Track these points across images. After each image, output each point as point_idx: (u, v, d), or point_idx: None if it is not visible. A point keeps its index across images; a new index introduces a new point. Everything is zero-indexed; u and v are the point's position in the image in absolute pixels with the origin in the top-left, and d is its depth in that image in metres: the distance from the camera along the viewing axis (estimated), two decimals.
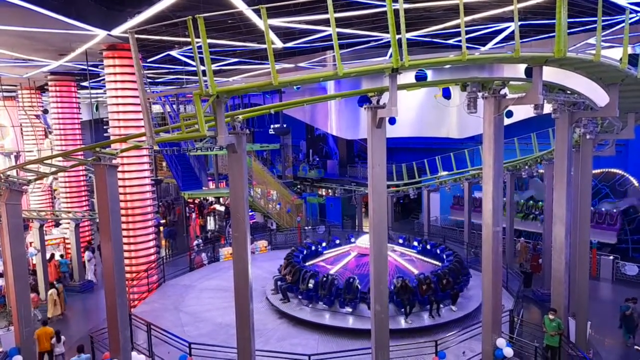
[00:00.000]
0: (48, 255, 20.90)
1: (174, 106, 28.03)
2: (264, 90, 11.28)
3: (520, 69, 23.92)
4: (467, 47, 8.35)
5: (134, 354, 11.04)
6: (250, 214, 28.48)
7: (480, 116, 9.89)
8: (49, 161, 10.88)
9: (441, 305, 13.84)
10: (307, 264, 16.60)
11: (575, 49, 14.71)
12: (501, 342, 10.52)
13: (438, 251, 17.81)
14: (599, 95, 12.05)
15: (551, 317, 11.93)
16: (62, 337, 13.14)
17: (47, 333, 12.91)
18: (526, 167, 20.51)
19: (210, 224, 32.41)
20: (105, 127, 17.29)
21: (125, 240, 16.20)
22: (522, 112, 25.06)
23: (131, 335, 11.80)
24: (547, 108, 10.99)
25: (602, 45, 9.46)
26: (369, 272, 13.61)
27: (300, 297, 14.66)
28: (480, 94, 9.78)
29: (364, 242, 16.66)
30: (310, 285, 14.34)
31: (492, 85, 9.73)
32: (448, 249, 17.78)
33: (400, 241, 19.21)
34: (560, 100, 10.99)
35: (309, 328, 13.69)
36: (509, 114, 25.19)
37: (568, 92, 11.44)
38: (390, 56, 8.08)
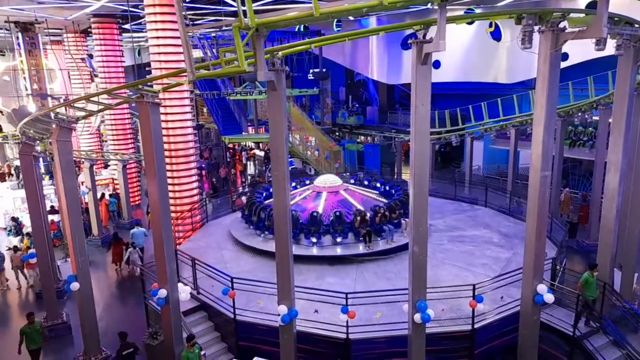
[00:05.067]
0: (99, 195, 22.04)
1: (213, 50, 28.14)
2: (305, 22, 10.90)
3: (579, 4, 22.07)
4: None
5: (179, 285, 11.64)
6: (289, 160, 28.70)
7: (535, 52, 9.20)
8: (95, 99, 11.13)
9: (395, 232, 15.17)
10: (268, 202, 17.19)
11: None
12: (542, 288, 10.33)
13: (382, 186, 19.18)
14: None
15: (595, 274, 11.24)
16: None
17: None
18: (579, 113, 19.32)
19: (250, 169, 32.97)
20: (147, 69, 17.47)
21: (169, 181, 16.74)
22: (579, 55, 23.32)
23: (177, 269, 12.40)
24: (608, 50, 10.07)
25: None
26: (331, 208, 15.86)
27: (267, 232, 15.45)
28: (536, 28, 9.05)
29: (323, 182, 17.74)
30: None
31: (551, 17, 8.95)
32: (397, 185, 18.92)
33: (352, 181, 20.05)
34: (625, 35, 10.05)
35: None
36: (565, 57, 23.51)
37: (636, 25, 10.42)
38: None
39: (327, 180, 17.74)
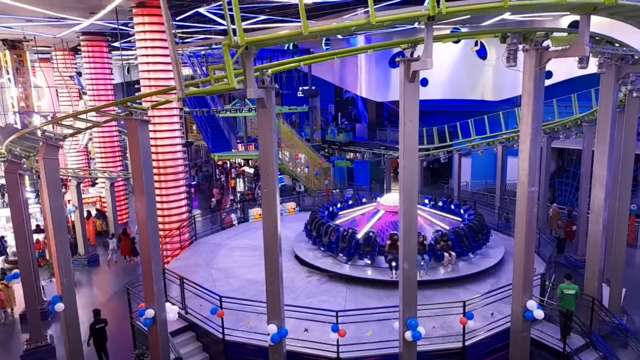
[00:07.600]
0: (85, 214, 21.73)
1: (203, 68, 28.31)
2: (294, 40, 11.04)
3: (562, 24, 22.66)
4: None
5: (167, 304, 11.43)
6: (279, 177, 28.72)
7: (519, 70, 9.39)
8: (83, 116, 11.05)
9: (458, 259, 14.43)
10: (337, 221, 16.85)
11: None
12: (532, 304, 10.34)
13: (458, 209, 18.13)
14: None
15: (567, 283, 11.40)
16: None
17: None
18: (564, 129, 19.65)
19: (240, 186, 32.87)
20: (137, 86, 17.47)
21: (157, 199, 16.57)
22: (563, 72, 23.89)
23: (165, 289, 12.20)
24: (590, 68, 10.34)
25: None
26: (388, 228, 15.07)
27: (322, 248, 15.46)
28: (520, 47, 9.25)
29: (387, 200, 17.26)
30: (332, 238, 15.07)
31: (534, 36, 9.16)
32: (469, 207, 17.92)
33: (426, 201, 19.40)
34: (607, 54, 10.32)
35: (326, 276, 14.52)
36: (549, 75, 24.07)
37: (616, 44, 10.71)
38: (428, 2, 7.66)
39: (391, 199, 16.98)
